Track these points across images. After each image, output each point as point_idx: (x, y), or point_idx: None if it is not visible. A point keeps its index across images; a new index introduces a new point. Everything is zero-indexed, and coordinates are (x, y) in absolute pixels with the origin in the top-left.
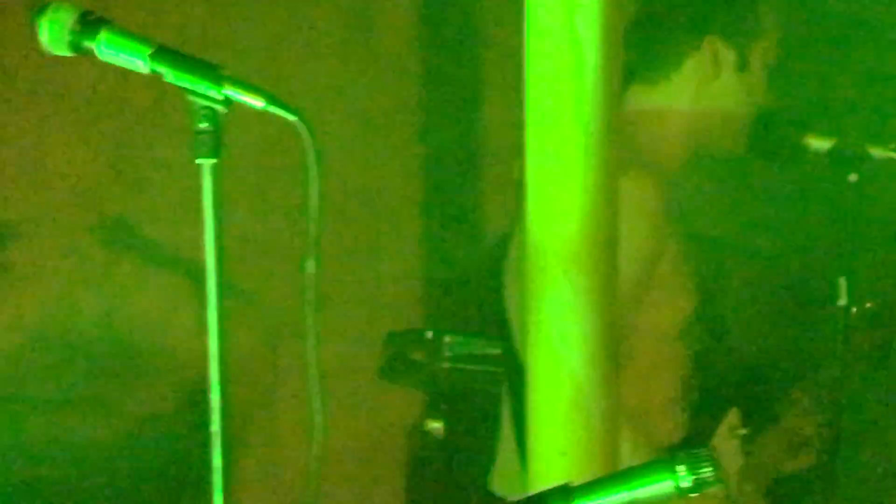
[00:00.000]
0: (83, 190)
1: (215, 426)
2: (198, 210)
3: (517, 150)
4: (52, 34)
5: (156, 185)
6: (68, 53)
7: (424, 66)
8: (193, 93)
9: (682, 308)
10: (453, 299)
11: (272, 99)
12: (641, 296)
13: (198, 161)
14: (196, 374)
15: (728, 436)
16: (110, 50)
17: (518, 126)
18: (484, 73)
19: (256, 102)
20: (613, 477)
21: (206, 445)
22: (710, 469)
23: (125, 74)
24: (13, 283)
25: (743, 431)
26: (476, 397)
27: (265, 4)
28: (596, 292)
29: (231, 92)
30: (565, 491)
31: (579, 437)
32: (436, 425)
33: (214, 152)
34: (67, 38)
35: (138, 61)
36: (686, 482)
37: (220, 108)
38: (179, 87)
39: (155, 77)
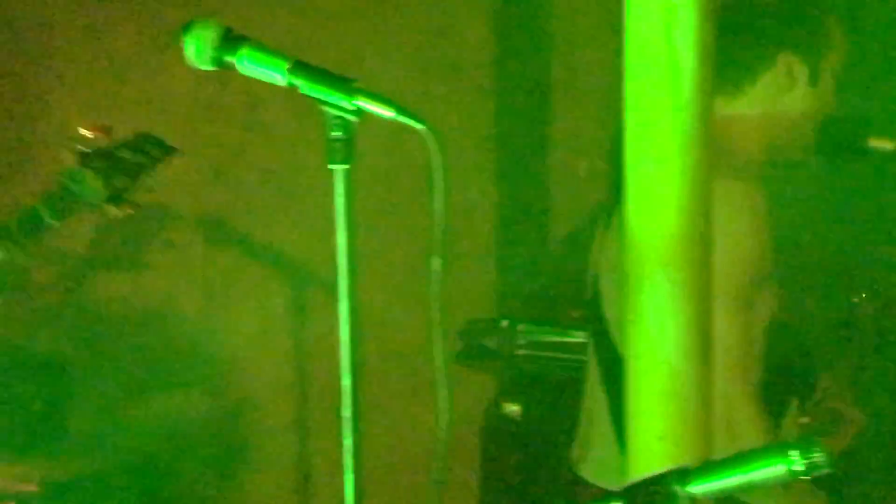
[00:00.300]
0: (185, 187)
1: (346, 411)
2: (287, 204)
3: (582, 152)
4: (197, 50)
5: (250, 184)
6: (211, 68)
7: (498, 76)
8: (327, 103)
9: (770, 306)
10: (526, 291)
11: (401, 109)
12: (752, 295)
13: (330, 167)
14: (289, 362)
15: (792, 425)
16: (251, 64)
17: (576, 131)
18: (552, 82)
19: (386, 112)
20: (728, 460)
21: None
22: (821, 454)
23: (222, 84)
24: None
25: (805, 420)
26: (552, 382)
27: (344, 16)
28: (691, 287)
29: (362, 102)
30: (683, 472)
31: (675, 423)
32: (513, 408)
33: (347, 159)
34: (210, 53)
35: (277, 75)
36: (799, 466)
37: (351, 117)
38: (313, 98)
39: (291, 89)
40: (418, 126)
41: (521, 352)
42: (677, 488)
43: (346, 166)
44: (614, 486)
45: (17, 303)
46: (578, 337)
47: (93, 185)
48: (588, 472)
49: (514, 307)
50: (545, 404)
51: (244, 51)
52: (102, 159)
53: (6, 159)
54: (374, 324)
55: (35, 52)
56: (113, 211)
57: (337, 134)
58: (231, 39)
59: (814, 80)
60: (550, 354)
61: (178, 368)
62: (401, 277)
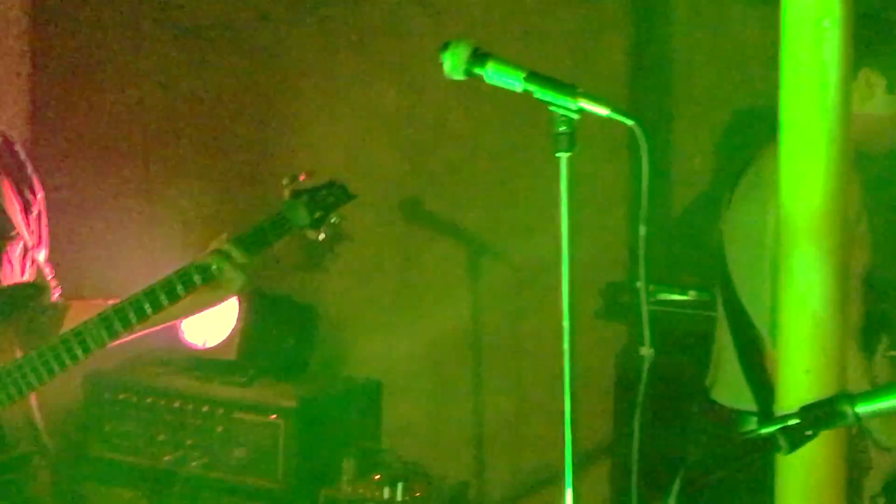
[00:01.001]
0: (389, 177)
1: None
2: (467, 189)
3: (696, 153)
4: (453, 64)
5: (439, 174)
6: (462, 78)
7: (630, 93)
8: (555, 104)
9: (866, 258)
10: (655, 258)
11: (614, 108)
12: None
13: (557, 154)
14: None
15: (882, 360)
16: (494, 75)
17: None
18: (675, 100)
19: (602, 111)
20: (887, 386)
21: None
22: None
23: (417, 97)
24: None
25: (893, 353)
26: (674, 332)
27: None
28: (833, 251)
29: (583, 103)
30: (848, 396)
31: (819, 359)
32: (646, 350)
33: (570, 147)
34: (463, 66)
35: (515, 83)
36: None
37: (574, 115)
38: (543, 101)
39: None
40: (629, 122)
41: (650, 308)
42: (846, 408)
43: (569, 153)
44: (741, 406)
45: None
46: (693, 296)
47: (301, 214)
48: (719, 396)
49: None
50: (670, 348)
51: (490, 64)
52: (307, 195)
53: (247, 188)
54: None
55: (276, 95)
56: (312, 234)
57: (562, 129)
58: (480, 55)
59: (890, 87)
60: (672, 310)
61: (386, 307)
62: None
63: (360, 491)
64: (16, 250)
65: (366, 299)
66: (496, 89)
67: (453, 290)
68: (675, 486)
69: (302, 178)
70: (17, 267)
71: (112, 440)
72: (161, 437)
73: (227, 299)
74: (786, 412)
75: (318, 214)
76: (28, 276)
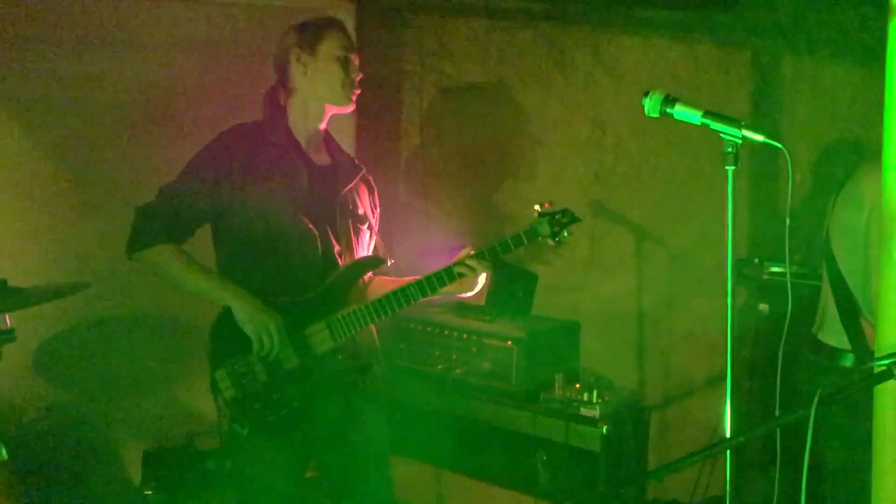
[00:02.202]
0: (582, 189)
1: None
2: (649, 197)
3: (798, 168)
4: (651, 106)
5: (617, 183)
6: (656, 116)
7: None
8: (724, 132)
9: None
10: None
11: (768, 135)
12: None
13: (726, 167)
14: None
15: None
16: (680, 114)
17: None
18: (783, 134)
19: (758, 137)
20: None
21: None
22: None
23: (602, 131)
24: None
25: None
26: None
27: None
28: None
29: (745, 132)
30: None
31: None
32: (763, 307)
33: (735, 163)
34: (658, 107)
35: (695, 118)
36: None
37: (737, 140)
38: (716, 130)
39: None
40: (778, 146)
41: (765, 278)
42: None
43: (734, 168)
44: (840, 346)
45: None
46: (795, 269)
47: (544, 228)
48: (824, 337)
49: (762, 249)
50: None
51: (678, 106)
52: (549, 217)
53: (496, 199)
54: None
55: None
56: (549, 242)
57: (729, 150)
58: (671, 100)
59: None
60: (781, 279)
61: (580, 274)
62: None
63: (567, 394)
64: (367, 234)
65: (566, 268)
66: (658, 124)
67: (625, 263)
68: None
69: (546, 206)
70: (366, 245)
71: (407, 355)
72: (436, 353)
73: (469, 292)
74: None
75: (556, 229)
76: (372, 252)
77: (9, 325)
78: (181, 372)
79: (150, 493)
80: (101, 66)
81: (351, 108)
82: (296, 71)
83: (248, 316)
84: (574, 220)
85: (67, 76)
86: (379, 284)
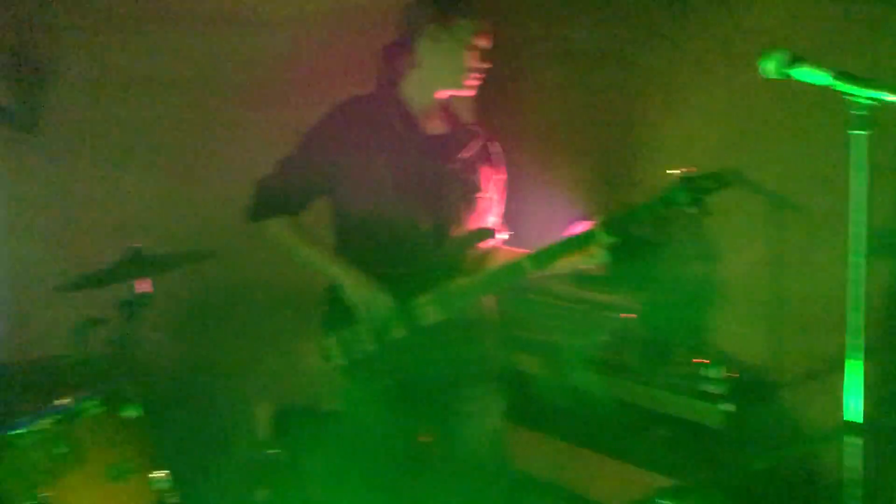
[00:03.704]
0: (715, 154)
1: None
2: (783, 162)
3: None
4: (774, 67)
5: (753, 150)
6: (777, 77)
7: None
8: (855, 94)
9: None
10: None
11: None
12: None
13: (853, 132)
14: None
15: None
16: (806, 74)
17: None
18: None
19: (892, 98)
20: None
21: None
22: None
23: (738, 96)
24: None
25: None
26: None
27: None
28: None
29: (874, 93)
30: None
31: None
32: None
33: (868, 127)
34: (780, 69)
35: (824, 79)
36: None
37: (868, 101)
38: (847, 92)
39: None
40: None
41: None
42: None
43: (866, 132)
44: None
45: None
46: None
47: (682, 196)
48: None
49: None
50: None
51: (804, 66)
52: (689, 182)
53: (618, 169)
54: None
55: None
56: (692, 210)
57: (859, 112)
58: (796, 59)
59: None
60: None
61: (698, 256)
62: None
63: (689, 369)
64: (483, 204)
65: (693, 238)
66: (801, 87)
67: (757, 233)
68: None
69: (684, 170)
70: (482, 215)
71: (525, 325)
72: (552, 323)
73: (593, 263)
74: None
75: (697, 196)
76: (491, 223)
77: (144, 290)
78: (307, 335)
79: (275, 451)
80: (223, 41)
81: (470, 94)
82: (424, 46)
83: (354, 289)
84: (722, 184)
85: (191, 52)
86: (503, 255)
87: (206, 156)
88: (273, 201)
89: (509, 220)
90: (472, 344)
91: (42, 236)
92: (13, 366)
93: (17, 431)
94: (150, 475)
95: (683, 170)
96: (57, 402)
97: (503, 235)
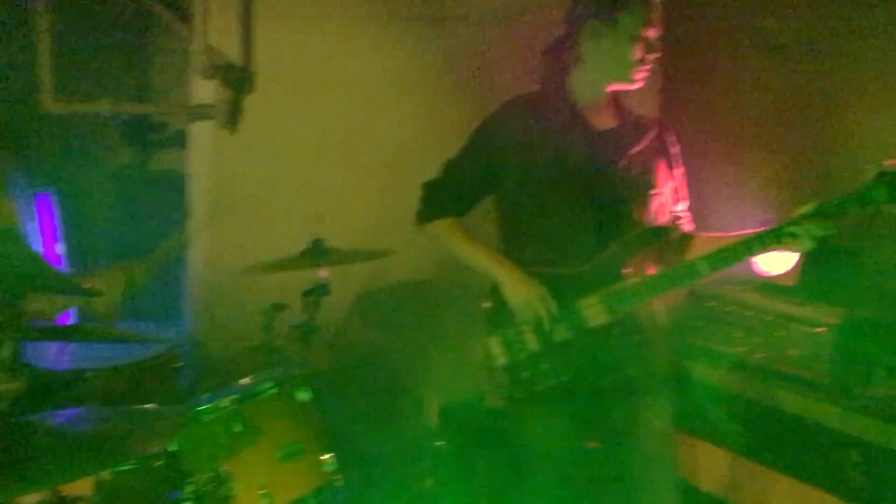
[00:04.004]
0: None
1: None
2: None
3: None
4: None
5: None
6: None
7: None
8: None
9: None
10: None
11: None
12: None
13: None
14: None
15: None
16: None
17: None
18: None
19: None
20: None
21: None
22: None
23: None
24: None
25: None
26: None
27: None
28: None
29: None
30: None
31: None
32: None
33: None
34: None
35: None
36: None
37: None
38: None
39: None
40: None
41: None
42: None
43: None
44: None
45: None
46: None
47: (881, 193)
48: None
49: None
50: None
51: None
52: (884, 177)
53: (812, 163)
54: None
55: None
56: (889, 208)
57: None
58: None
59: None
60: None
61: None
62: None
63: (889, 391)
64: (656, 204)
65: None
66: None
67: None
68: None
69: (886, 163)
70: (656, 215)
71: (703, 333)
72: (736, 334)
73: (794, 252)
74: None
75: None
76: (670, 219)
77: (325, 275)
78: (476, 333)
79: (440, 444)
80: (420, 39)
81: (637, 87)
82: (587, 42)
83: (513, 290)
84: None
85: (386, 49)
86: (704, 242)
87: (400, 152)
88: (439, 203)
89: (697, 218)
90: (642, 348)
91: (238, 225)
92: (206, 345)
93: (202, 407)
94: (320, 457)
95: (887, 163)
96: (238, 383)
97: (680, 232)
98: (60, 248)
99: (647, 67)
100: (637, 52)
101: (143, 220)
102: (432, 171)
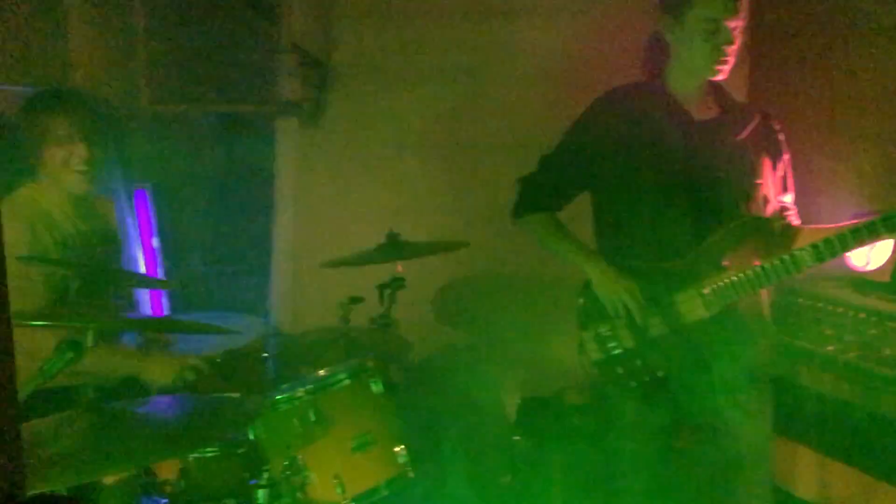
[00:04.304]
0: None
1: None
2: None
3: None
4: None
5: None
6: None
7: None
8: None
9: None
10: None
11: None
12: None
13: None
14: None
15: None
16: None
17: None
18: None
19: None
20: None
21: None
22: None
23: None
24: None
25: None
26: None
27: None
28: None
29: None
30: None
31: None
32: None
33: None
34: None
35: None
36: None
37: None
38: None
39: None
40: None
41: None
42: None
43: None
44: None
45: None
46: None
47: None
48: None
49: None
50: None
51: None
52: None
53: None
54: None
55: None
56: None
57: None
58: None
59: None
60: None
61: None
62: None
63: None
64: (759, 194)
65: None
66: None
67: None
68: None
69: None
70: (759, 206)
71: (795, 331)
72: (828, 332)
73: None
74: None
75: None
76: (778, 209)
77: (400, 270)
78: (556, 327)
79: (518, 438)
80: (495, 33)
81: (720, 78)
82: (669, 38)
83: (602, 284)
84: None
85: (463, 45)
86: (808, 235)
87: (475, 147)
88: (534, 199)
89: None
90: (742, 344)
91: (319, 218)
92: (288, 335)
93: (279, 397)
94: (393, 449)
95: None
96: (315, 374)
97: (784, 223)
98: (156, 243)
99: (725, 59)
100: (707, 44)
101: (232, 215)
102: (508, 164)
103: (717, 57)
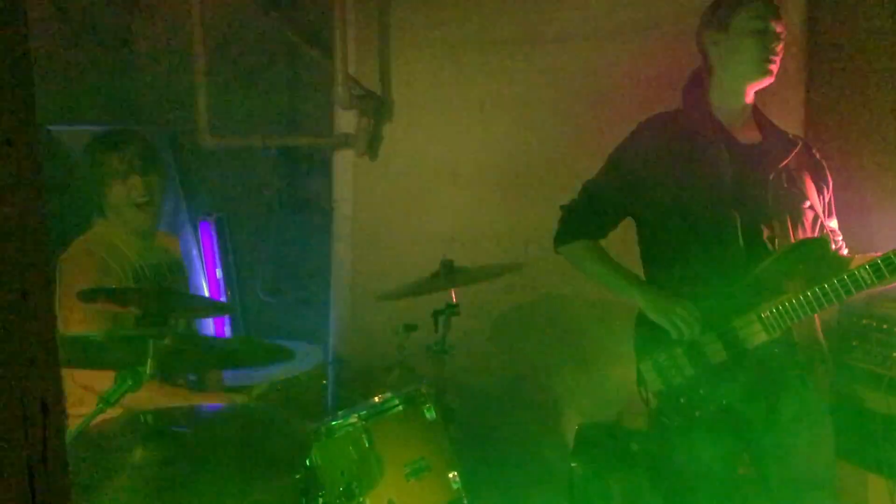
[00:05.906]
0: None
1: None
2: None
3: None
4: None
5: None
6: None
7: None
8: None
9: None
10: None
11: None
12: None
13: None
14: None
15: None
16: None
17: None
18: None
19: None
20: None
21: None
22: None
23: None
24: None
25: None
26: None
27: None
28: None
29: None
30: None
31: None
32: None
33: None
34: None
35: None
36: None
37: None
38: None
39: None
40: None
41: None
42: None
43: None
44: None
45: None
46: None
47: None
48: None
49: None
50: None
51: None
52: None
53: None
54: None
55: None
56: None
57: None
58: None
59: None
60: None
61: None
62: None
63: None
64: (809, 217)
65: None
66: None
67: None
68: None
69: None
70: (810, 229)
71: (859, 354)
72: (894, 355)
73: None
74: None
75: None
76: (820, 234)
77: (454, 300)
78: (613, 352)
79: (576, 465)
80: (547, 62)
81: (770, 80)
82: (711, 51)
83: (655, 307)
84: None
85: (515, 74)
86: (862, 260)
87: (528, 175)
88: (577, 226)
89: (855, 230)
90: (801, 369)
91: (376, 247)
92: (348, 363)
93: (334, 423)
94: (447, 475)
95: None
96: (370, 401)
97: (836, 248)
98: (219, 273)
99: (774, 58)
100: (756, 46)
101: (292, 245)
102: (560, 190)
103: (767, 56)
